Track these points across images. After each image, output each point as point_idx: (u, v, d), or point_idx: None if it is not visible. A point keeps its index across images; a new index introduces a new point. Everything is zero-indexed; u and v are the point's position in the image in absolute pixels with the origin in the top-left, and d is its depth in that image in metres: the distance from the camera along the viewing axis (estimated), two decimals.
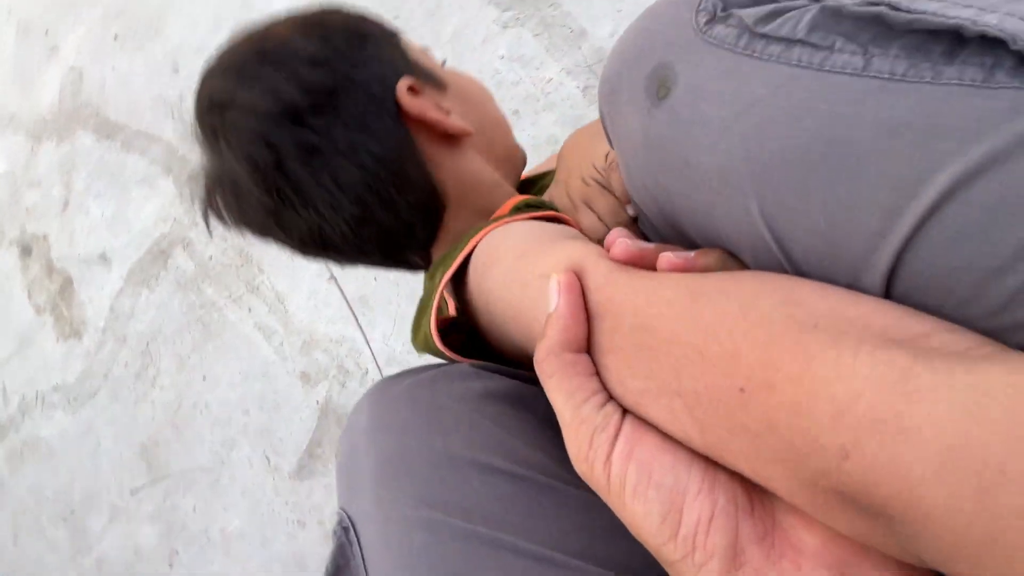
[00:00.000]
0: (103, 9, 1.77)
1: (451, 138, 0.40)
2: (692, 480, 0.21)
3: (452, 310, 0.43)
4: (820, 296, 0.20)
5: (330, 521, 1.26)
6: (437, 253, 0.43)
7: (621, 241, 0.25)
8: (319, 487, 1.28)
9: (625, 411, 0.23)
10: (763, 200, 0.21)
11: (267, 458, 1.32)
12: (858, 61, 0.20)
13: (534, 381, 0.32)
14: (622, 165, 0.28)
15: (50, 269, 1.70)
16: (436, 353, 0.38)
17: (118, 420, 1.45)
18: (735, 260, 0.24)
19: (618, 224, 0.38)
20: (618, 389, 0.23)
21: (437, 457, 0.29)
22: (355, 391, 1.26)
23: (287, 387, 1.33)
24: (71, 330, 1.61)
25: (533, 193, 0.51)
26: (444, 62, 0.47)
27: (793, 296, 0.20)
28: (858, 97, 0.19)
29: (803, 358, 0.18)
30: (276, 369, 1.34)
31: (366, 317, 1.25)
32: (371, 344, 1.25)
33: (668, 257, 0.24)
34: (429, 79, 0.42)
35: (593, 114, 1.20)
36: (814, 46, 0.21)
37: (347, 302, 1.27)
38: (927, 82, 0.18)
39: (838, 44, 0.20)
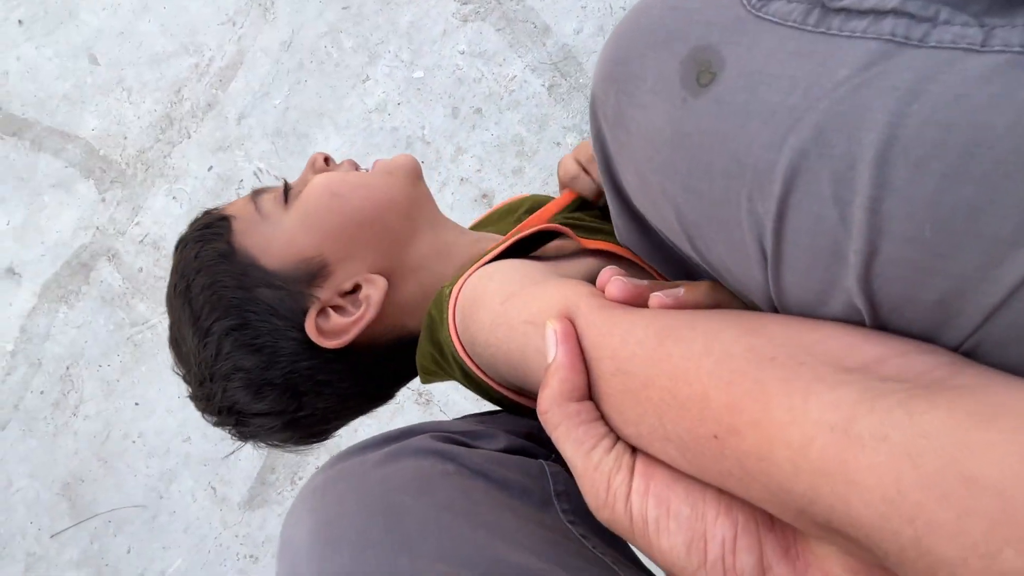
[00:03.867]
0: None
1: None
2: (709, 504, 0.20)
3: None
4: (781, 325, 0.20)
5: None
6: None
7: (615, 280, 0.25)
8: (273, 516, 1.18)
9: (635, 449, 0.23)
10: (847, 203, 0.18)
11: (213, 489, 1.20)
12: (975, 34, 0.17)
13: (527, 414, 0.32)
14: (631, 165, 0.26)
15: None
16: (455, 369, 0.35)
17: (33, 456, 1.28)
18: (723, 291, 0.24)
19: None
20: (620, 433, 0.23)
21: None
22: None
23: None
24: None
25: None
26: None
27: (753, 326, 0.20)
28: (982, 76, 0.16)
29: (762, 401, 0.18)
30: None
31: None
32: None
33: (658, 297, 0.24)
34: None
35: (559, 113, 1.16)
36: (911, 16, 0.18)
37: None
38: None
39: (943, 15, 0.17)
